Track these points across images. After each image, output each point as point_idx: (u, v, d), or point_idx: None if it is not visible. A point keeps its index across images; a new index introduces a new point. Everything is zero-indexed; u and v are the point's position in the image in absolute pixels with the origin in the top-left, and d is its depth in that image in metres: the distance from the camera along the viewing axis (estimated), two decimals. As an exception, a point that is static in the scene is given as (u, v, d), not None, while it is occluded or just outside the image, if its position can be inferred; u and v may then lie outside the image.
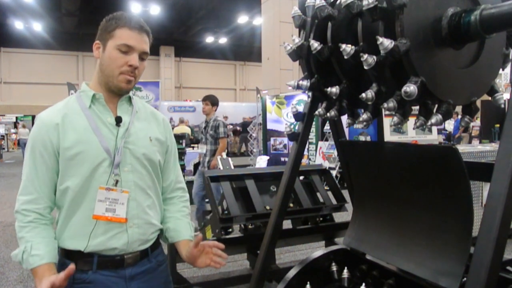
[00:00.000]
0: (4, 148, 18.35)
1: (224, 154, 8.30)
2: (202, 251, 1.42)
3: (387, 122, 7.25)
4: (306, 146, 3.92)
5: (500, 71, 1.78)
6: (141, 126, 1.45)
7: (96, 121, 1.37)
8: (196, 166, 3.75)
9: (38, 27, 23.59)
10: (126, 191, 1.37)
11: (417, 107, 1.61)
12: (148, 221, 1.43)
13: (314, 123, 4.57)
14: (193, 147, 10.09)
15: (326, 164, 8.79)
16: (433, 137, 8.82)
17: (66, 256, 1.37)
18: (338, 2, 1.81)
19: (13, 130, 23.53)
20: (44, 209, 1.35)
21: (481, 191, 4.33)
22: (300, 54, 1.94)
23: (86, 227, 1.34)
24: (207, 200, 4.39)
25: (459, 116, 1.82)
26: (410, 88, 1.42)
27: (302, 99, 10.23)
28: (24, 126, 19.22)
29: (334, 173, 8.42)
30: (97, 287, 1.34)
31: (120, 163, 1.36)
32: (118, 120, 1.39)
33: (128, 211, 1.37)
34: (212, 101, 5.29)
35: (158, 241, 1.52)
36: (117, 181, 1.36)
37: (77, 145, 1.33)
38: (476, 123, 13.85)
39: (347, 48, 1.61)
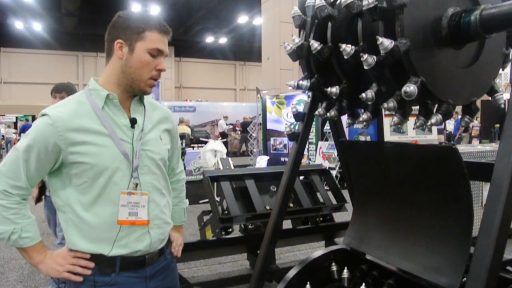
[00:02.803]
0: (4, 148, 18.31)
1: (224, 154, 8.30)
2: None
3: (387, 122, 7.25)
4: (306, 146, 3.92)
5: (500, 71, 1.78)
6: (152, 126, 1.45)
7: (111, 123, 1.34)
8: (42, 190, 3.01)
9: (38, 27, 23.59)
10: (146, 193, 1.37)
11: (417, 107, 1.61)
12: (165, 220, 1.46)
13: (314, 123, 4.57)
14: (193, 147, 10.11)
15: (326, 164, 8.79)
16: (433, 137, 8.83)
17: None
18: (338, 2, 1.81)
19: (13, 130, 23.51)
20: (27, 195, 1.34)
21: (481, 191, 4.33)
22: (300, 54, 1.94)
23: (109, 232, 1.33)
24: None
25: (459, 116, 1.82)
26: (410, 88, 1.42)
27: (302, 99, 10.23)
28: (9, 126, 19.41)
29: (334, 173, 8.42)
30: None
31: (138, 166, 1.36)
32: (133, 122, 1.37)
33: (149, 213, 1.38)
34: (69, 92, 3.37)
35: (169, 239, 1.56)
36: (136, 184, 1.35)
37: (92, 149, 1.30)
38: (476, 123, 13.85)
39: (347, 48, 1.61)
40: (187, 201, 1.74)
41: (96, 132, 1.31)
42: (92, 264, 1.32)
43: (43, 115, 1.31)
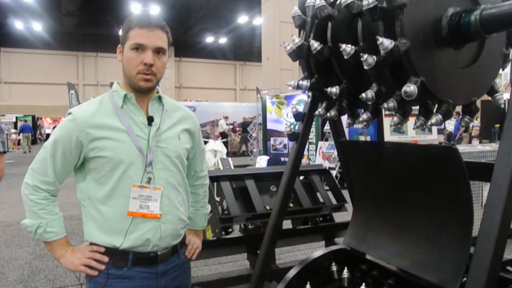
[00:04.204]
0: (4, 148, 18.29)
1: (224, 154, 8.31)
2: None
3: (387, 122, 7.25)
4: (306, 146, 3.92)
5: (500, 71, 1.78)
6: (170, 125, 1.51)
7: (129, 121, 1.42)
8: None
9: (38, 27, 23.61)
10: (159, 188, 1.43)
11: (417, 107, 1.61)
12: (179, 217, 1.50)
13: (314, 123, 4.57)
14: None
15: (326, 164, 8.79)
16: (433, 137, 8.83)
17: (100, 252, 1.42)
18: (338, 2, 1.81)
19: (13, 130, 23.54)
20: (55, 191, 1.43)
21: (481, 191, 4.33)
22: (300, 54, 1.94)
23: (121, 223, 1.39)
24: None
25: (460, 116, 1.82)
26: (410, 88, 1.42)
27: (302, 99, 10.23)
28: None
29: (334, 173, 8.41)
30: (132, 283, 1.41)
31: (152, 161, 1.42)
32: (150, 120, 1.44)
33: (162, 207, 1.43)
34: None
35: (185, 237, 1.60)
36: (150, 179, 1.41)
37: (111, 144, 1.38)
38: (476, 123, 13.85)
39: (347, 48, 1.61)
40: (209, 206, 1.79)
41: (114, 128, 1.39)
42: (106, 258, 1.39)
43: (68, 114, 1.43)
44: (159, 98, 1.51)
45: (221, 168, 6.46)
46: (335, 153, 8.81)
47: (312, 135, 10.08)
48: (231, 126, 18.53)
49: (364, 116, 1.75)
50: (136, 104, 1.44)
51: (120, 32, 1.46)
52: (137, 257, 1.41)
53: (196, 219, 1.70)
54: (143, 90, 1.43)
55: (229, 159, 6.94)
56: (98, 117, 1.39)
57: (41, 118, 29.77)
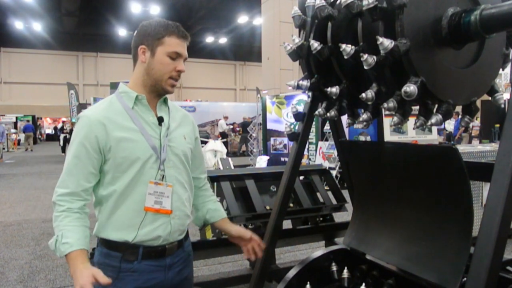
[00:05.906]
0: (4, 148, 18.32)
1: (224, 154, 8.32)
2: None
3: (387, 122, 7.23)
4: (306, 146, 3.92)
5: (500, 71, 1.78)
6: (176, 126, 1.58)
7: (140, 121, 1.48)
8: None
9: (38, 27, 23.62)
10: (170, 185, 1.50)
11: (417, 107, 1.61)
12: (185, 213, 1.56)
13: (314, 123, 4.57)
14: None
15: (326, 164, 8.79)
16: (433, 137, 8.83)
17: (111, 247, 1.45)
18: (338, 2, 1.81)
19: (13, 130, 23.55)
20: (77, 202, 1.40)
21: (481, 191, 4.33)
22: (300, 54, 1.94)
23: (134, 218, 1.44)
24: None
25: (460, 116, 1.82)
26: (410, 88, 1.42)
27: (302, 99, 10.23)
28: None
29: (334, 173, 8.42)
30: (141, 275, 1.45)
31: (164, 159, 1.48)
32: (161, 120, 1.51)
33: (172, 204, 1.49)
34: None
35: (188, 232, 1.65)
36: (163, 176, 1.48)
37: (126, 144, 1.43)
38: (476, 123, 13.85)
39: (347, 48, 1.61)
40: None
41: (128, 128, 1.45)
42: None
43: (79, 118, 1.46)
44: (165, 99, 1.58)
45: (221, 168, 6.46)
46: (335, 153, 8.81)
47: (312, 135, 10.08)
48: (231, 126, 18.53)
49: (364, 116, 1.75)
50: (147, 105, 1.50)
51: (144, 34, 1.47)
52: (147, 251, 1.45)
53: (219, 207, 1.78)
54: (167, 93, 1.52)
55: (229, 159, 6.95)
56: (112, 117, 1.44)
57: (41, 118, 29.79)
